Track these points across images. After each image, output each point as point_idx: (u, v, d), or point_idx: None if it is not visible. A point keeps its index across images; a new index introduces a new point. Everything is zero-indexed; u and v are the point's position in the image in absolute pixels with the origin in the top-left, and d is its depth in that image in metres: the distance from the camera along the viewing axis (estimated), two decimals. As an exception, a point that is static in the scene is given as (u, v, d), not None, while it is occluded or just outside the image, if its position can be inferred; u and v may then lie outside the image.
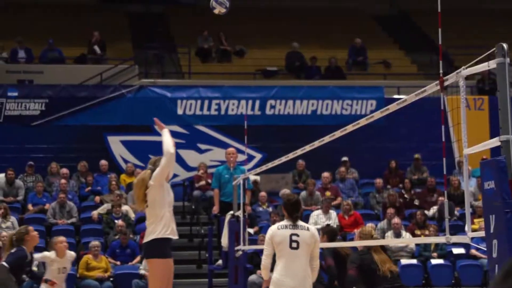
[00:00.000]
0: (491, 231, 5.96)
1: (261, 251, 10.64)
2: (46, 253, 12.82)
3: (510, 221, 5.77)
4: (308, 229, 8.59)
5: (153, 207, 8.73)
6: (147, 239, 8.73)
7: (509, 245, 5.61)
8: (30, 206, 20.24)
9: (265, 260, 8.62)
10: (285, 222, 8.60)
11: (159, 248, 8.69)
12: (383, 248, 10.43)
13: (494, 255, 5.86)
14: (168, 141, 8.75)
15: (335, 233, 12.40)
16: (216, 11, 11.25)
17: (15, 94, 22.33)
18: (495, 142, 6.32)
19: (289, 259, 8.42)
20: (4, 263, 11.07)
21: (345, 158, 22.01)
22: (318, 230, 11.85)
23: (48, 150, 22.20)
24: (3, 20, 27.62)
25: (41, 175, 21.33)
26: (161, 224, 8.66)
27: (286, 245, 8.44)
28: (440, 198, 20.04)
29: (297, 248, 8.43)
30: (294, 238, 8.45)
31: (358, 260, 10.15)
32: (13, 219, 18.79)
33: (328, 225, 13.56)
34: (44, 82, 23.47)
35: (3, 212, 18.50)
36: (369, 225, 11.05)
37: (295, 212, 8.65)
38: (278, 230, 8.55)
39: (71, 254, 13.04)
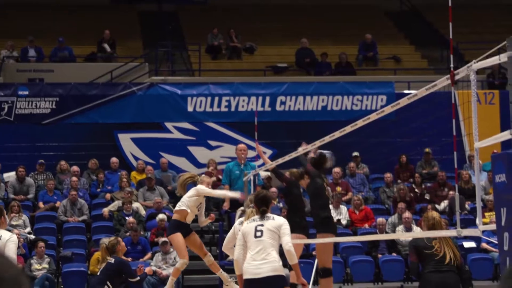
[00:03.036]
0: (502, 224, 5.96)
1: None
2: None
3: (521, 213, 5.78)
4: (274, 218, 9.16)
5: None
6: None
7: (521, 238, 5.61)
8: (41, 204, 20.30)
9: (236, 253, 9.24)
10: (254, 217, 9.27)
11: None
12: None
13: (505, 248, 5.86)
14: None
15: (320, 160, 12.65)
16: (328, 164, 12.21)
17: (26, 93, 22.38)
18: (506, 135, 6.31)
19: (254, 248, 8.98)
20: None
21: (356, 154, 21.99)
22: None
23: (59, 148, 22.25)
24: (13, 20, 27.68)
25: (52, 173, 21.39)
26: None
27: (251, 236, 9.03)
28: (451, 192, 20.02)
29: (261, 236, 8.99)
30: (259, 228, 9.05)
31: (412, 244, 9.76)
32: (24, 217, 18.86)
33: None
34: (54, 81, 23.49)
35: (16, 209, 18.56)
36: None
37: (262, 206, 9.23)
38: (246, 225, 9.24)
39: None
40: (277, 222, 9.07)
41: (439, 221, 9.22)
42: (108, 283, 11.34)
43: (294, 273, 11.49)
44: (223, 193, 13.08)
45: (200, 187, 12.63)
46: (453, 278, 8.95)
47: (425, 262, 9.16)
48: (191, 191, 12.69)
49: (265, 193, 9.60)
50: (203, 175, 13.06)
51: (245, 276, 9.01)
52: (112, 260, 11.50)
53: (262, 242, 8.94)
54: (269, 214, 9.18)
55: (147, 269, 12.66)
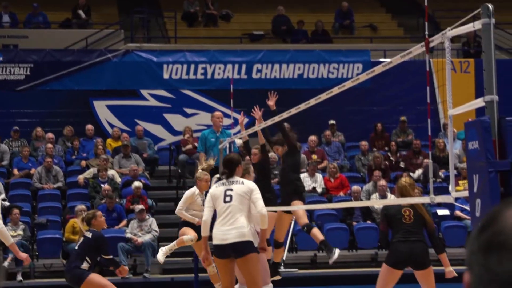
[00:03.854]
0: (475, 190, 5.99)
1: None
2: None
3: (493, 180, 5.81)
4: (243, 182, 9.12)
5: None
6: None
7: (492, 204, 5.65)
8: (15, 171, 20.21)
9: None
10: (222, 181, 9.23)
11: None
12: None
13: (477, 214, 5.90)
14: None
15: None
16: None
17: (0, 59, 22.19)
18: (479, 102, 6.34)
19: (224, 212, 8.97)
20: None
21: (332, 122, 22.04)
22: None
23: (34, 115, 22.13)
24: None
25: (27, 140, 21.29)
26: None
27: (221, 201, 9.00)
28: (426, 160, 20.12)
29: (230, 201, 8.96)
30: (228, 193, 9.01)
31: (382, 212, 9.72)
32: (-1, 184, 18.80)
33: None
34: (29, 47, 23.31)
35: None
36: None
37: (227, 168, 9.23)
38: (216, 189, 9.18)
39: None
40: (247, 186, 9.06)
41: (405, 186, 9.29)
42: (87, 258, 11.29)
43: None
44: (190, 217, 12.47)
45: (180, 206, 12.13)
46: (421, 248, 9.03)
47: (395, 230, 9.25)
48: (183, 199, 12.27)
49: (231, 156, 9.60)
50: (200, 172, 12.52)
51: (214, 242, 9.05)
52: (90, 235, 11.44)
53: (230, 207, 8.94)
54: (238, 178, 9.17)
55: (124, 270, 12.46)
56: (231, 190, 9.01)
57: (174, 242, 12.40)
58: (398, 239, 9.14)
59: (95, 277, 11.39)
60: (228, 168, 9.23)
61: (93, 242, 11.32)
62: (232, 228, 8.86)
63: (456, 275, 9.02)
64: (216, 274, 11.90)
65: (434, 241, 9.27)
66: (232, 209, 8.92)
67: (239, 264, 8.95)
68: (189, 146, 20.70)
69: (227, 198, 8.98)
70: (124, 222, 18.22)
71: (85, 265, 11.22)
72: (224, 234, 8.88)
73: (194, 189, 12.34)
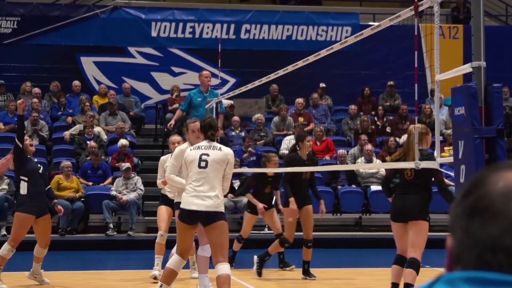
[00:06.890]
0: (460, 156, 6.00)
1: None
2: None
3: (478, 146, 5.82)
4: (220, 149, 8.70)
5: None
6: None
7: (477, 171, 5.66)
8: (1, 125, 20.11)
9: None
10: (199, 144, 8.84)
11: None
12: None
13: (462, 180, 5.91)
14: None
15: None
16: None
17: (-13, 11, 22.01)
18: (467, 68, 6.33)
19: (196, 178, 8.59)
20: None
21: (323, 85, 21.99)
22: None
23: (20, 69, 21.99)
24: None
25: (13, 94, 21.18)
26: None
27: (195, 165, 8.62)
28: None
29: (205, 167, 8.59)
30: (203, 157, 8.62)
31: None
32: (-16, 138, 18.71)
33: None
34: (16, 0, 23.11)
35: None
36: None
37: (205, 133, 8.83)
38: (190, 151, 8.78)
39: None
40: (224, 154, 8.66)
41: (411, 131, 9.33)
42: (21, 182, 11.34)
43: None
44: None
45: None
46: (411, 200, 9.00)
47: (398, 183, 9.36)
48: None
49: (209, 120, 9.05)
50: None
51: (183, 206, 8.66)
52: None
53: (205, 174, 8.57)
54: (215, 144, 8.74)
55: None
56: (207, 155, 8.62)
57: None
58: (396, 192, 9.27)
59: (19, 217, 11.21)
60: (208, 132, 8.80)
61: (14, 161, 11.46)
62: (207, 196, 8.48)
63: None
64: (162, 245, 11.73)
65: (442, 192, 9.29)
66: (207, 177, 8.55)
67: (207, 231, 8.61)
68: (176, 105, 20.63)
69: (202, 164, 8.58)
70: (109, 179, 18.20)
71: (23, 190, 11.22)
72: (198, 200, 8.51)
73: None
